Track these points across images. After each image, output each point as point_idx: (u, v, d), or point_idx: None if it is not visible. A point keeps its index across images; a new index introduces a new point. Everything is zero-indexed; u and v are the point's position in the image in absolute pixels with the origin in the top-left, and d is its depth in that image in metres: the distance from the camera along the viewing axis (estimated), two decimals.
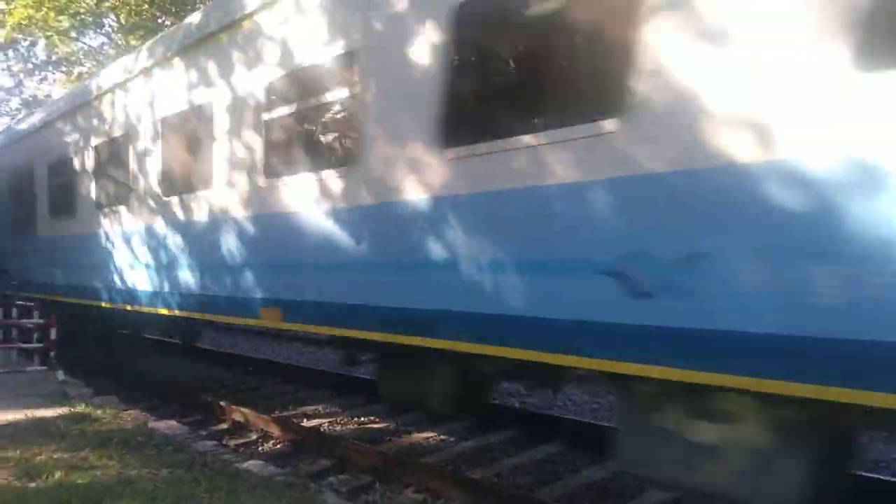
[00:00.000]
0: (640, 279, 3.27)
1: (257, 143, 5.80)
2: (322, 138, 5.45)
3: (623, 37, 3.36)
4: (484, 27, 4.21)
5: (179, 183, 7.03)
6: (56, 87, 23.20)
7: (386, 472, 5.43)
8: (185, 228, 6.82)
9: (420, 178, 4.41)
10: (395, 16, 4.58)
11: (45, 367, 8.94)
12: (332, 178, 5.09)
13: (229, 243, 6.16)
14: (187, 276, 6.83)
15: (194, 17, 7.09)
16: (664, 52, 3.20)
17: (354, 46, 4.90)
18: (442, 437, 6.47)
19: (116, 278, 8.19)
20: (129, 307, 8.18)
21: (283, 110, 5.62)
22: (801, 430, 3.21)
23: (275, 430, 6.79)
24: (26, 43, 21.52)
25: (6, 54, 22.06)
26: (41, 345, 9.42)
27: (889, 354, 2.56)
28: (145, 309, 7.80)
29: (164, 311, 7.44)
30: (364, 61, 4.85)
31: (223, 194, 6.23)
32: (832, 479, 3.41)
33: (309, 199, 5.27)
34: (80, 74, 21.32)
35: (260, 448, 6.44)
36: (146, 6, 18.85)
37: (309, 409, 7.73)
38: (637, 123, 3.29)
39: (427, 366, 5.25)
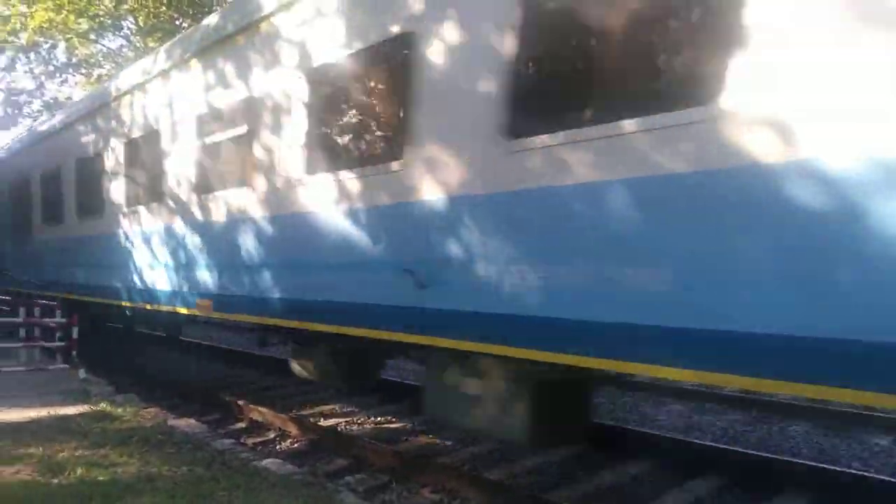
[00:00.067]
0: (421, 276, 4.44)
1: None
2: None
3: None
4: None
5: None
6: (76, 89, 23.50)
7: (402, 471, 5.45)
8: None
9: None
10: None
11: (67, 366, 9.07)
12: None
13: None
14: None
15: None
16: None
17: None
18: (459, 437, 6.47)
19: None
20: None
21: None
22: (535, 384, 4.63)
23: (292, 429, 6.83)
24: (47, 45, 21.81)
25: (28, 57, 22.35)
26: (63, 343, 9.54)
27: (567, 331, 3.66)
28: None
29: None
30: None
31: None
32: (567, 421, 5.23)
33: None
34: (99, 76, 21.58)
35: (278, 447, 6.48)
36: (164, 8, 19.02)
37: (326, 408, 7.77)
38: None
39: (317, 346, 6.42)
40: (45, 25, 18.42)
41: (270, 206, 5.94)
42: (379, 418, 7.34)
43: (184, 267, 7.27)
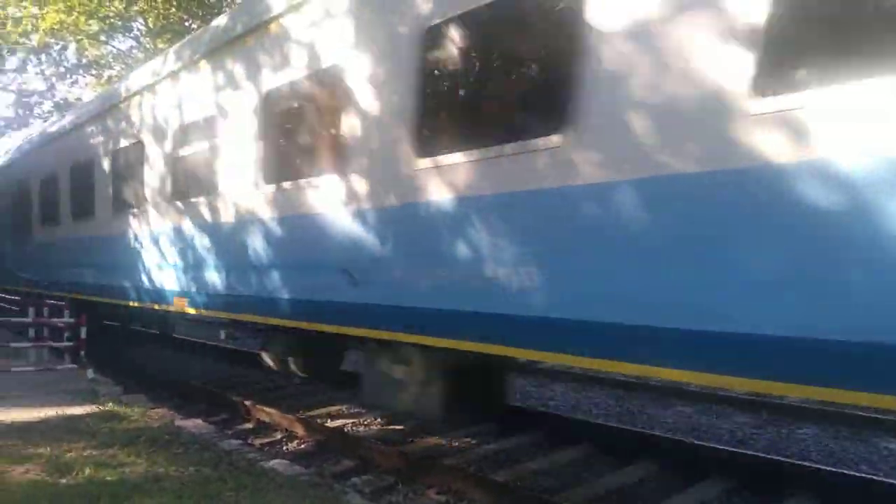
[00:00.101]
0: (355, 274, 5.06)
1: None
2: None
3: None
4: None
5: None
6: (86, 90, 23.64)
7: (409, 473, 5.45)
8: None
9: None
10: None
11: (75, 366, 9.11)
12: None
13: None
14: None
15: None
16: None
17: None
18: (465, 438, 6.47)
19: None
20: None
21: None
22: (449, 370, 5.29)
23: (299, 430, 6.84)
24: (58, 47, 21.96)
25: (39, 58, 22.52)
26: (72, 343, 9.59)
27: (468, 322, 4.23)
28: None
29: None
30: None
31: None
32: (481, 402, 5.97)
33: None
34: (109, 77, 21.71)
35: (285, 447, 6.49)
36: (173, 10, 19.12)
37: (332, 409, 7.78)
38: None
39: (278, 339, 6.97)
40: (56, 27, 18.54)
41: (237, 212, 6.49)
42: (385, 419, 7.34)
43: (164, 268, 7.94)
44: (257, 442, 6.59)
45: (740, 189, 2.99)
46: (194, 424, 6.41)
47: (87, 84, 23.99)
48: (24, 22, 19.00)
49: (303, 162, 5.91)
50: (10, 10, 19.14)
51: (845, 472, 5.19)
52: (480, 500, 4.89)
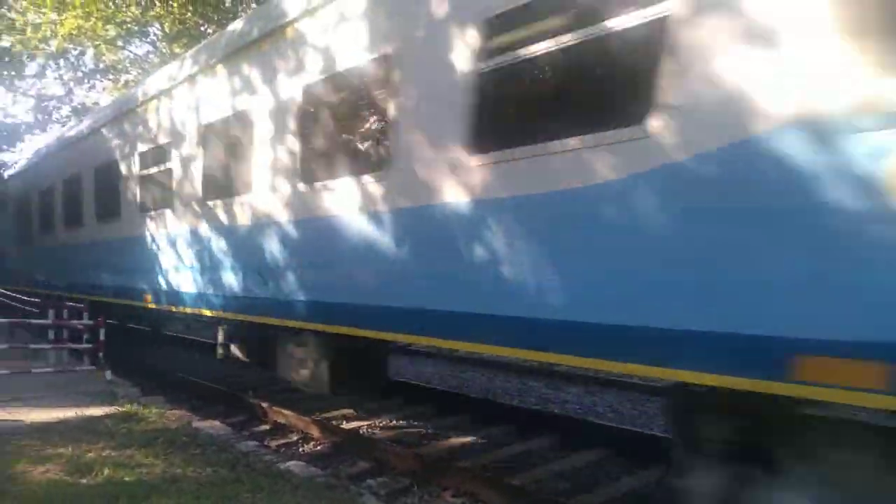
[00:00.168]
0: (265, 275, 6.28)
1: None
2: None
3: None
4: None
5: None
6: (104, 95, 23.89)
7: (424, 475, 5.45)
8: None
9: None
10: None
11: (93, 367, 9.21)
12: None
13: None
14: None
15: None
16: None
17: None
18: (481, 441, 6.47)
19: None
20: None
21: None
22: (335, 351, 6.31)
23: (315, 432, 6.87)
24: (76, 52, 22.21)
25: (57, 64, 22.78)
26: (90, 345, 9.69)
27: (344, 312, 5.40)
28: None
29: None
30: None
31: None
32: (364, 378, 6.98)
33: None
34: (126, 82, 21.93)
35: (301, 449, 6.53)
36: (189, 15, 19.28)
37: (348, 411, 7.80)
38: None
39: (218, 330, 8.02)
40: (74, 32, 18.75)
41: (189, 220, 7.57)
42: (401, 421, 7.35)
43: (135, 269, 9.13)
44: (274, 443, 6.63)
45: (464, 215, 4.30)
46: (211, 426, 6.45)
47: (104, 88, 24.24)
48: (43, 28, 19.24)
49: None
50: (31, 17, 19.40)
51: None
52: (495, 503, 4.89)
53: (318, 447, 6.57)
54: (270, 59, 6.23)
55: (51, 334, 10.38)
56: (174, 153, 7.96)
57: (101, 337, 9.33)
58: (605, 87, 3.80)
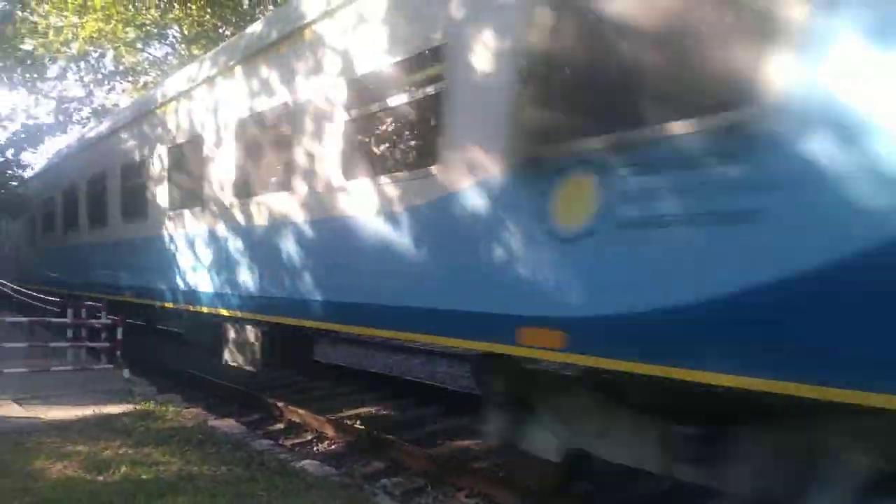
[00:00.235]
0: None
1: None
2: None
3: None
4: None
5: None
6: (123, 97, 24.15)
7: (438, 475, 5.45)
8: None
9: None
10: None
11: (111, 366, 9.29)
12: None
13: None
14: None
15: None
16: None
17: None
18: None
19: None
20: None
21: None
22: (265, 336, 6.82)
23: (329, 431, 6.89)
24: (96, 54, 22.47)
25: (78, 66, 23.06)
26: (108, 344, 9.78)
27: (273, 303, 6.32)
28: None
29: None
30: None
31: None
32: (291, 358, 7.80)
33: None
34: (145, 83, 22.16)
35: (315, 448, 6.55)
36: (208, 17, 19.44)
37: (362, 410, 7.82)
38: None
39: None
40: (94, 35, 19.00)
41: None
42: (415, 421, 7.35)
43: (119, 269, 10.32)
44: (288, 442, 6.66)
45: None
46: (227, 424, 6.49)
47: (123, 90, 24.49)
48: (65, 31, 19.51)
49: None
50: (53, 20, 19.67)
51: None
52: None
53: (333, 446, 6.59)
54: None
55: (69, 333, 10.49)
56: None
57: (119, 336, 9.41)
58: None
